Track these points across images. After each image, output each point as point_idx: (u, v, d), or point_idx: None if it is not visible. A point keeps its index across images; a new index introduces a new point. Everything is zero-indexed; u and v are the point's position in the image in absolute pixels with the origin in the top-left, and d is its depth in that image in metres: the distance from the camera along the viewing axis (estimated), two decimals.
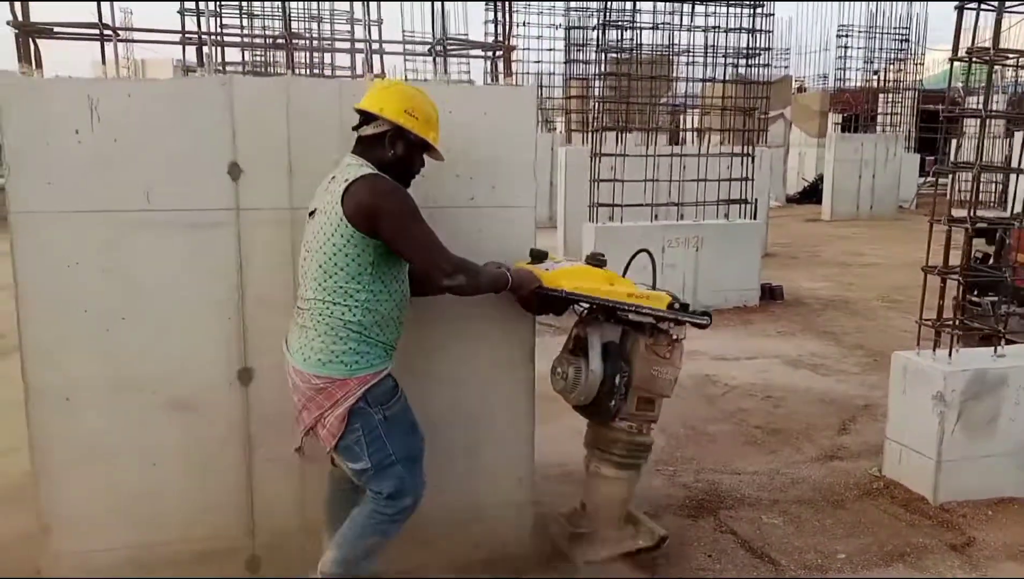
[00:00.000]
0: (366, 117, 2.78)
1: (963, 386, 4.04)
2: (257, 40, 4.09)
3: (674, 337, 3.26)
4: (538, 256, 3.22)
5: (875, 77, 20.36)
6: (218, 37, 3.43)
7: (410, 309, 2.93)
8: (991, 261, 6.36)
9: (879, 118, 19.94)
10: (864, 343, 7.22)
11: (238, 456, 3.16)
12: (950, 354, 4.17)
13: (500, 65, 3.54)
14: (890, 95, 20.01)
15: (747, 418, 5.27)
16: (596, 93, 11.06)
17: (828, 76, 22.73)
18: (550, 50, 16.75)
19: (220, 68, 4.11)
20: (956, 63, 4.41)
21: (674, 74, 12.24)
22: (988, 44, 4.09)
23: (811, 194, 19.95)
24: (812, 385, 6.02)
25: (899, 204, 18.13)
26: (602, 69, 9.69)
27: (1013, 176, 4.70)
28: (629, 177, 8.35)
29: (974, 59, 4.27)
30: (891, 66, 20.31)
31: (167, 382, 3.06)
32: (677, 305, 3.14)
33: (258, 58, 9.33)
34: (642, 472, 3.43)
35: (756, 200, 9.08)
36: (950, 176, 5.06)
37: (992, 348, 4.27)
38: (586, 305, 3.24)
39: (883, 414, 4.55)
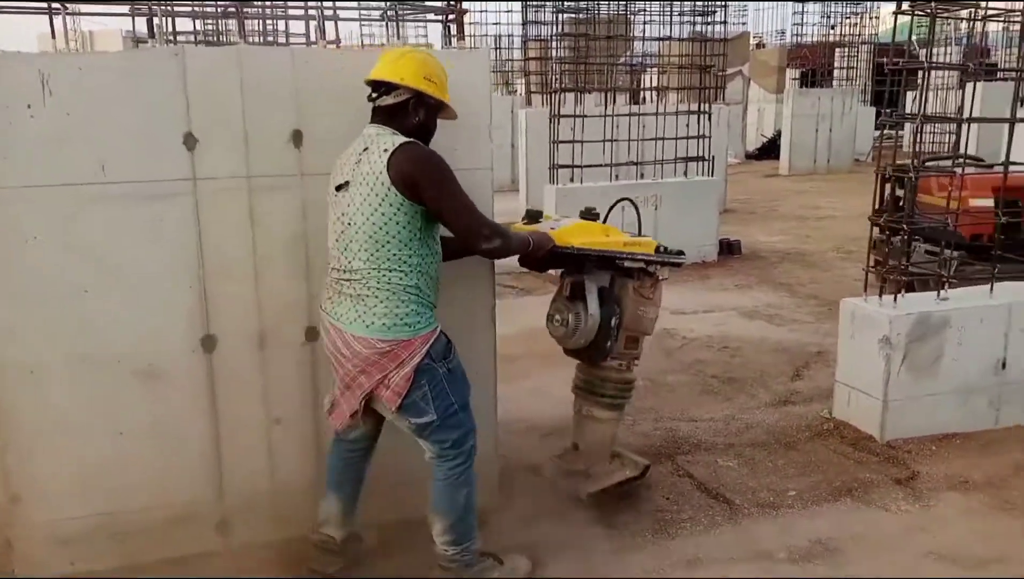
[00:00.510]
0: (384, 87, 2.86)
1: (908, 329, 4.21)
2: (208, 9, 4.06)
3: (658, 278, 3.48)
4: (534, 216, 3.38)
5: (831, 32, 20.54)
6: (168, 7, 3.40)
7: None
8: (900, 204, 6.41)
9: (836, 73, 20.15)
10: (818, 293, 7.42)
11: (205, 422, 3.23)
12: (895, 299, 4.34)
13: (454, 28, 3.58)
14: (846, 50, 20.22)
15: (704, 368, 5.44)
16: (554, 54, 11.08)
17: (786, 32, 22.89)
18: (508, 11, 16.69)
19: (171, 39, 4.10)
20: (903, 16, 4.54)
21: (631, 33, 12.30)
22: None
23: (770, 150, 20.12)
24: (767, 335, 6.20)
25: (856, 157, 18.39)
26: (560, 30, 9.70)
27: (964, 126, 4.83)
28: (589, 138, 8.42)
29: (916, 12, 4.39)
30: (847, 20, 20.49)
31: (131, 352, 3.11)
32: (663, 249, 3.39)
33: (209, 27, 9.23)
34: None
35: (714, 157, 9.21)
36: (907, 127, 5.19)
37: (936, 292, 4.45)
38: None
39: (835, 360, 4.72)
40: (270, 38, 5.84)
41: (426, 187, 2.75)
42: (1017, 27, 5.78)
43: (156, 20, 3.23)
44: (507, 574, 3.08)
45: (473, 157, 3.40)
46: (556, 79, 9.75)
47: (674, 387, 5.12)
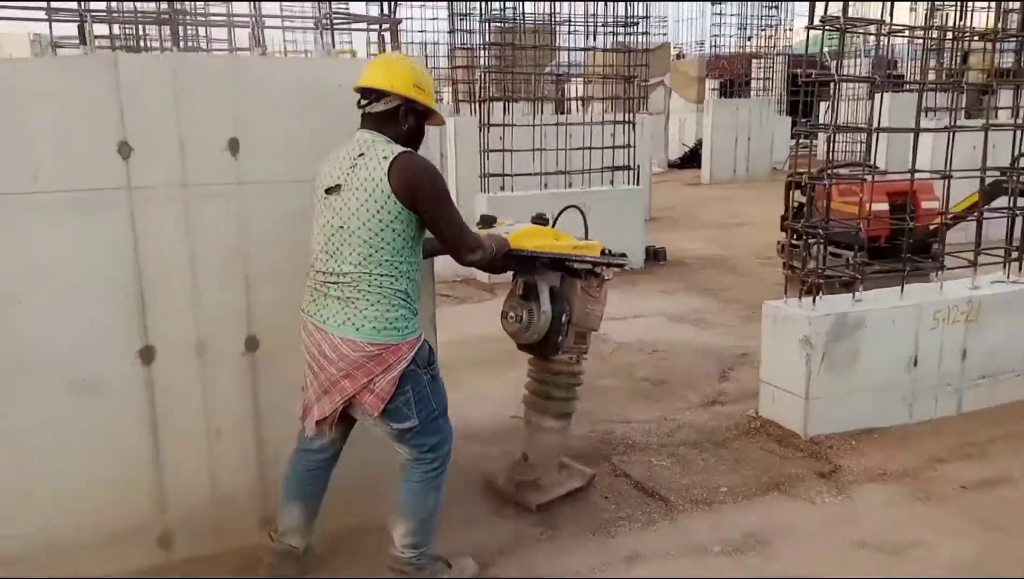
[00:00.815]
0: (374, 94, 2.91)
1: (826, 329, 4.42)
2: (128, 16, 3.99)
3: (603, 278, 3.66)
4: (487, 221, 3.52)
5: (748, 43, 21.21)
6: (91, 10, 3.35)
7: None
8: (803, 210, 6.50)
9: (753, 83, 20.81)
10: (741, 298, 7.68)
11: (144, 434, 3.19)
12: (814, 301, 4.55)
13: (387, 37, 3.63)
14: (762, 61, 20.90)
15: (635, 372, 5.58)
16: (481, 63, 11.17)
17: (705, 43, 23.52)
18: (433, 19, 16.68)
19: (96, 44, 4.02)
20: (815, 31, 4.77)
21: (556, 43, 12.47)
22: (839, 14, 4.45)
23: (691, 159, 20.64)
24: (694, 338, 6.40)
25: (773, 166, 19.01)
26: (487, 39, 9.80)
27: (875, 135, 5.09)
28: (517, 147, 8.52)
29: (827, 27, 4.62)
30: (762, 32, 21.18)
31: (67, 364, 3.05)
32: (607, 252, 3.61)
33: (129, 31, 8.96)
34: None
35: (639, 166, 9.43)
36: (820, 136, 5.42)
37: (851, 294, 4.68)
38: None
39: (759, 361, 4.91)
40: (190, 43, 5.73)
41: (424, 199, 2.82)
42: (920, 40, 6.13)
43: (86, 25, 3.17)
44: (456, 574, 3.12)
45: None
46: (484, 88, 9.83)
47: (607, 391, 5.25)
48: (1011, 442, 4.43)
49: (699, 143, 19.97)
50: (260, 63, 3.38)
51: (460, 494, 3.78)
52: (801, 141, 19.17)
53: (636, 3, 9.52)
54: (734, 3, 19.72)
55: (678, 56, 25.59)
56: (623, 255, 3.72)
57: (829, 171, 4.60)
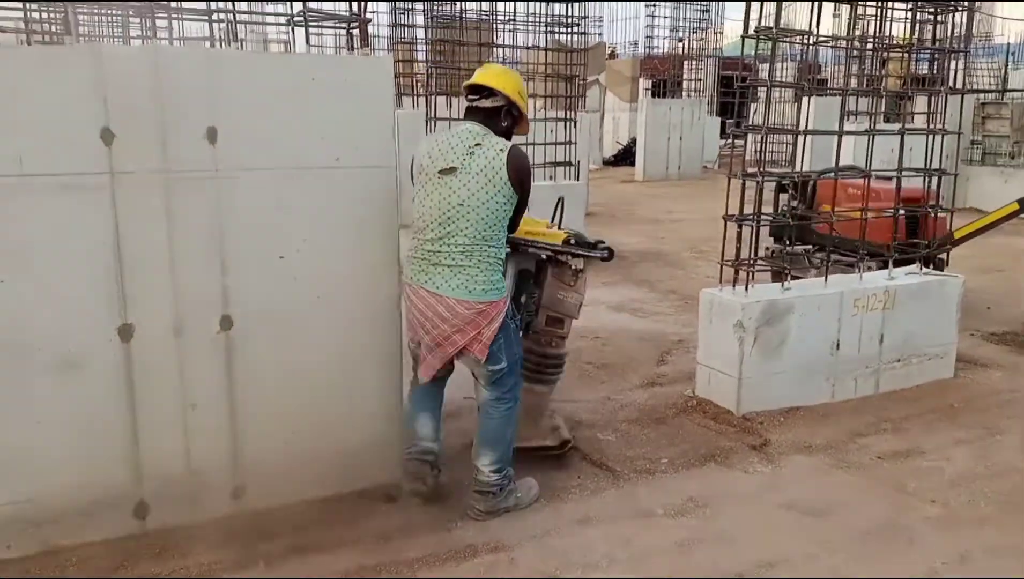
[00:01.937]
0: (482, 91, 3.51)
1: (758, 314, 4.78)
2: (114, 12, 4.08)
3: (573, 269, 3.91)
4: None
5: (680, 44, 21.80)
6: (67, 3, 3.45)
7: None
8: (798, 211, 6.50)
9: (685, 84, 21.40)
10: (676, 289, 8.07)
11: (122, 409, 3.33)
12: (747, 289, 4.91)
13: (356, 35, 3.83)
14: (694, 62, 21.52)
15: (580, 356, 5.87)
16: (421, 57, 11.30)
17: (638, 43, 24.07)
18: (374, 12, 16.74)
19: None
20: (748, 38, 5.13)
21: (495, 40, 12.69)
22: (772, 23, 4.81)
23: (625, 157, 21.14)
24: (633, 326, 6.74)
25: (704, 164, 19.64)
26: (431, 36, 9.97)
27: (800, 137, 5.49)
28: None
29: (761, 37, 4.98)
30: (694, 34, 21.80)
31: (48, 341, 3.17)
32: (573, 242, 3.82)
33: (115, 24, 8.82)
34: (553, 388, 4.15)
35: (579, 162, 9.75)
36: (749, 136, 5.78)
37: (780, 282, 5.06)
38: None
39: (694, 346, 5.26)
40: (164, 36, 5.78)
41: (527, 187, 3.48)
42: (843, 47, 6.56)
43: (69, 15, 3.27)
44: (527, 492, 3.70)
45: (378, 156, 3.66)
46: (429, 82, 10.01)
47: None
48: (923, 419, 4.86)
49: (633, 141, 20.47)
50: (237, 57, 3.55)
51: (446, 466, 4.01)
52: (735, 141, 19.87)
53: (575, 3, 9.80)
54: (667, 5, 20.26)
55: (611, 55, 26.10)
56: (593, 245, 3.87)
57: (831, 174, 4.88)
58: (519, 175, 3.41)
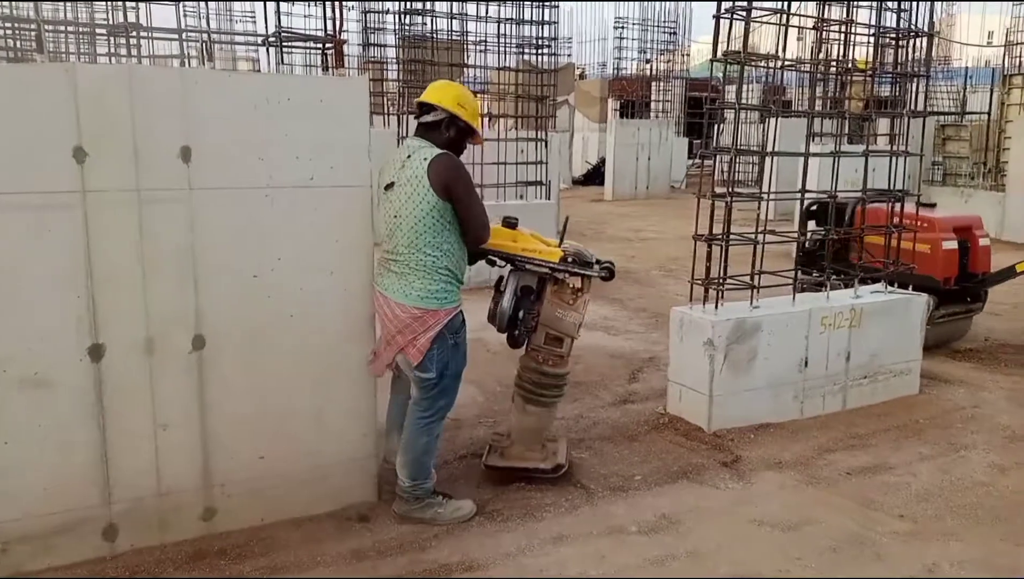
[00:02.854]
0: (427, 108, 3.65)
1: (727, 332, 4.84)
2: (84, 30, 4.05)
3: (572, 287, 3.96)
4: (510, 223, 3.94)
5: (648, 66, 22.07)
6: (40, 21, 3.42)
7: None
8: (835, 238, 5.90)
9: (653, 105, 21.67)
10: (647, 307, 8.14)
11: (92, 429, 3.29)
12: (716, 307, 4.97)
13: (331, 55, 3.84)
14: (661, 83, 21.80)
15: None
16: (392, 76, 11.31)
17: (607, 64, 24.34)
18: (345, 31, 16.75)
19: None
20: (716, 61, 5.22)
21: (466, 60, 12.76)
22: (739, 47, 4.92)
23: (594, 176, 21.34)
24: (605, 344, 6.78)
25: (672, 184, 19.86)
26: (403, 55, 10.01)
27: (768, 158, 5.59)
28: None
29: (729, 60, 5.08)
30: (661, 56, 22.10)
31: (17, 360, 3.14)
32: (571, 260, 3.85)
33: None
34: (556, 408, 4.22)
35: (550, 182, 9.82)
36: (717, 157, 5.86)
37: (748, 300, 5.13)
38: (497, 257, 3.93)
39: (665, 364, 5.31)
40: (133, 55, 5.75)
41: (455, 189, 3.51)
42: (808, 70, 6.71)
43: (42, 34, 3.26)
44: (451, 511, 3.72)
45: (353, 175, 3.67)
46: (400, 101, 10.04)
47: None
48: (889, 434, 4.95)
49: (602, 161, 20.67)
50: (212, 76, 3.54)
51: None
52: (698, 161, 20.11)
53: (545, 26, 9.90)
54: (636, 27, 20.55)
55: (581, 76, 26.36)
56: (591, 264, 3.90)
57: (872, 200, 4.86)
58: (441, 180, 3.47)
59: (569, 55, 23.85)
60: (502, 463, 4.09)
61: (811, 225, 6.74)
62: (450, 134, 3.66)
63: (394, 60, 13.22)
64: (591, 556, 3.48)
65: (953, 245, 6.15)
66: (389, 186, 3.59)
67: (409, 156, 3.56)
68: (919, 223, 5.93)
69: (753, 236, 5.09)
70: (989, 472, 4.43)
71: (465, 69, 13.11)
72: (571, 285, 3.98)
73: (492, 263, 4.00)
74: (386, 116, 12.67)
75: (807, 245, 6.61)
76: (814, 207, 6.41)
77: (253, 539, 3.52)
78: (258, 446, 3.61)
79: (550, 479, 4.07)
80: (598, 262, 3.94)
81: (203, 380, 3.47)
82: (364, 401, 3.81)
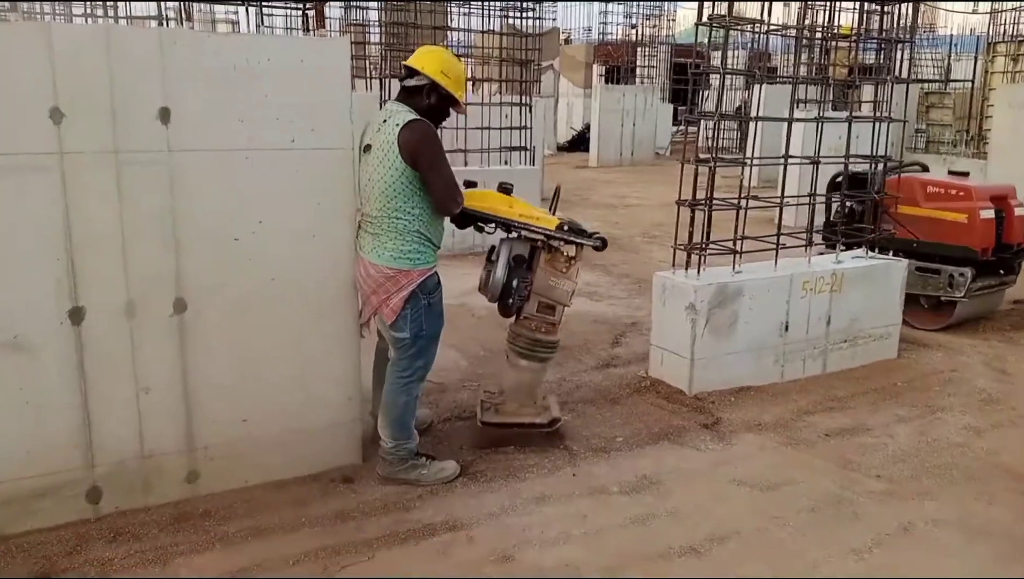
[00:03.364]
0: (412, 72, 3.64)
1: (709, 297, 4.87)
2: None
3: (566, 256, 3.95)
4: (470, 185, 3.96)
5: (633, 31, 21.93)
6: None
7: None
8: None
9: (638, 70, 21.55)
10: (630, 272, 8.17)
11: (74, 393, 3.28)
12: (699, 272, 5.00)
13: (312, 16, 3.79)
14: (647, 49, 21.68)
15: None
16: (374, 39, 11.16)
17: (592, 29, 24.16)
18: None
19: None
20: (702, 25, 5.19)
21: (450, 24, 12.63)
22: (724, 12, 4.89)
23: (579, 143, 21.25)
24: (588, 309, 6.81)
25: (656, 151, 19.82)
26: (385, 18, 9.89)
27: (751, 124, 5.59)
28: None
29: (715, 24, 5.05)
30: (647, 21, 21.96)
31: None
32: (567, 228, 3.82)
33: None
34: (547, 366, 4.21)
35: (534, 147, 9.78)
36: (702, 123, 5.84)
37: (731, 265, 5.16)
38: (494, 223, 3.95)
39: (648, 329, 5.35)
40: (110, 15, 5.65)
41: (421, 156, 3.51)
42: (792, 35, 6.69)
43: None
44: (435, 472, 3.77)
45: (334, 138, 3.63)
46: (382, 64, 9.94)
47: None
48: (868, 397, 5.02)
49: (587, 127, 20.58)
50: (191, 36, 3.50)
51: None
52: (683, 128, 20.08)
53: None
54: None
55: (566, 41, 26.16)
56: (588, 234, 3.90)
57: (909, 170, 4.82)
58: (408, 148, 3.48)
59: (554, 19, 23.63)
60: (497, 419, 4.12)
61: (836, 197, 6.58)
62: (431, 101, 3.64)
63: (376, 23, 13.07)
64: (573, 516, 3.52)
65: (991, 214, 6.01)
66: (367, 148, 3.61)
67: (385, 120, 3.57)
68: (955, 192, 5.82)
69: (736, 202, 5.11)
70: (964, 434, 4.50)
71: (448, 32, 12.97)
72: (565, 253, 3.98)
73: (480, 229, 4.00)
74: (368, 79, 12.49)
75: (834, 216, 6.50)
76: (839, 178, 6.35)
77: (237, 501, 3.55)
78: (241, 410, 3.61)
79: (546, 433, 4.14)
80: (594, 234, 3.94)
81: (184, 344, 3.46)
82: (347, 365, 3.81)
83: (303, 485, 3.70)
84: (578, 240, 3.91)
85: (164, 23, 4.11)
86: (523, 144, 9.41)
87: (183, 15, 3.52)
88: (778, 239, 5.39)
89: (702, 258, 5.02)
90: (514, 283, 3.89)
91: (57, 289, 3.20)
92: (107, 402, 3.35)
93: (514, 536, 3.36)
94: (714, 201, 4.99)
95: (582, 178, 16.35)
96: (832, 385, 5.17)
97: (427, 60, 3.66)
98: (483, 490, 3.71)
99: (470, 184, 3.98)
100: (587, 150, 19.33)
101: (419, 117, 3.55)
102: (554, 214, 4.04)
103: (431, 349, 3.76)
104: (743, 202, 5.12)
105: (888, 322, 5.67)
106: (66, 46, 3.07)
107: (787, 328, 5.19)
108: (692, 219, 5.05)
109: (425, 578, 3.09)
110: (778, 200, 5.43)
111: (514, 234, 3.97)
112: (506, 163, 9.37)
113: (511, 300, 3.91)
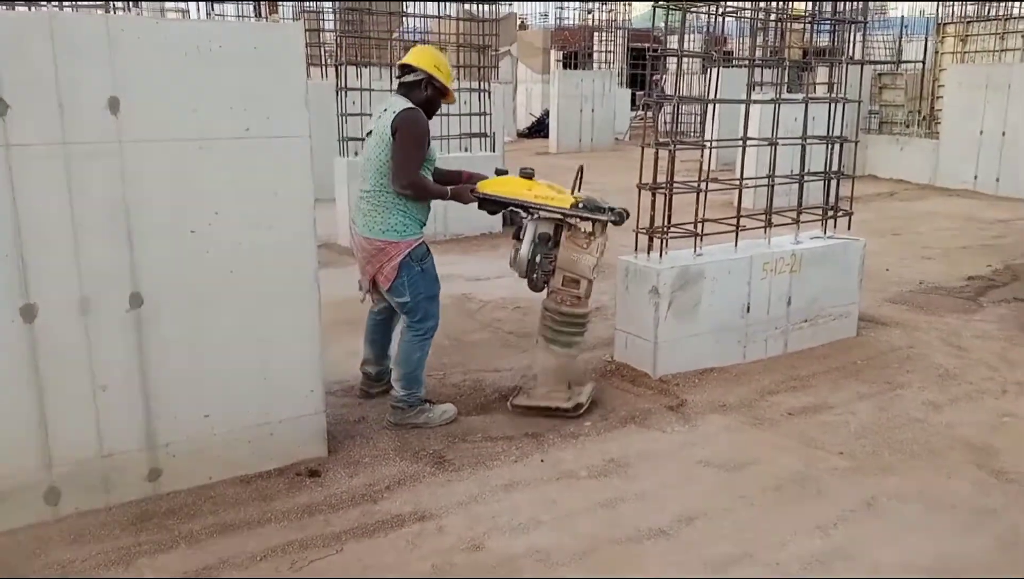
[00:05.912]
0: (407, 69, 4.14)
1: (672, 280, 4.89)
2: None
3: (585, 231, 4.23)
4: (501, 173, 4.38)
5: (590, 16, 21.92)
6: None
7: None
8: None
9: (595, 55, 21.56)
10: None
11: (28, 392, 3.19)
12: (661, 255, 5.02)
13: (264, 3, 3.71)
14: (603, 33, 21.68)
15: (501, 326, 5.92)
16: (328, 26, 11.00)
17: (549, 14, 24.09)
18: None
19: None
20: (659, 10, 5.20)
21: (408, 10, 12.51)
22: None
23: (539, 129, 21.23)
24: None
25: (616, 136, 19.87)
26: (339, 4, 9.76)
27: (709, 107, 5.60)
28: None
29: (672, 7, 5.06)
30: (603, 6, 21.94)
31: None
32: (582, 206, 4.12)
33: None
34: (582, 348, 4.47)
35: (494, 133, 9.72)
36: (657, 108, 5.87)
37: (692, 248, 5.18)
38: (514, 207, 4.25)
39: (612, 314, 5.36)
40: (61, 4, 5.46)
41: (398, 132, 3.97)
42: (748, 17, 6.72)
43: None
44: (439, 414, 4.22)
45: (290, 126, 3.57)
46: (338, 51, 9.81)
47: (477, 343, 5.56)
48: (829, 376, 5.09)
49: (546, 113, 20.56)
50: (139, 23, 3.39)
51: (345, 442, 4.00)
52: (641, 113, 20.15)
53: None
54: None
55: (522, 27, 26.08)
56: (604, 210, 4.13)
57: None
58: (395, 124, 3.97)
59: (510, 4, 23.53)
60: (526, 402, 4.35)
61: None
62: (427, 93, 4.14)
63: (330, 9, 12.89)
64: (542, 501, 3.52)
65: None
66: (369, 134, 4.14)
67: (385, 109, 4.09)
68: None
69: (696, 185, 5.13)
70: (923, 409, 4.58)
71: (404, 18, 12.85)
72: (583, 229, 4.22)
73: (493, 212, 4.33)
74: (324, 67, 12.34)
75: None
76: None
77: (201, 498, 3.49)
78: (202, 405, 3.55)
79: (571, 417, 4.29)
80: (611, 209, 4.14)
81: (142, 339, 3.38)
82: (309, 357, 3.76)
83: (268, 480, 3.65)
84: (591, 216, 4.14)
85: (112, 11, 4.00)
86: (483, 131, 9.36)
87: (131, 3, 3.42)
88: (738, 221, 5.43)
89: (664, 242, 5.04)
90: (538, 259, 4.18)
91: (7, 286, 3.10)
92: (63, 401, 3.26)
93: (483, 524, 3.35)
94: (674, 184, 5.01)
95: (543, 164, 16.25)
96: (794, 364, 5.23)
97: (422, 57, 4.16)
98: (451, 479, 3.70)
99: (501, 172, 4.38)
100: (547, 136, 19.31)
101: (414, 106, 4.04)
102: (577, 193, 4.25)
103: (433, 308, 4.20)
104: (703, 185, 5.14)
105: (847, 301, 5.75)
106: (7, 34, 2.97)
107: (749, 309, 5.24)
108: (653, 202, 5.06)
109: (389, 578, 3.06)
110: (737, 182, 5.46)
111: (537, 215, 4.21)
112: (466, 150, 9.31)
113: (535, 274, 4.21)
